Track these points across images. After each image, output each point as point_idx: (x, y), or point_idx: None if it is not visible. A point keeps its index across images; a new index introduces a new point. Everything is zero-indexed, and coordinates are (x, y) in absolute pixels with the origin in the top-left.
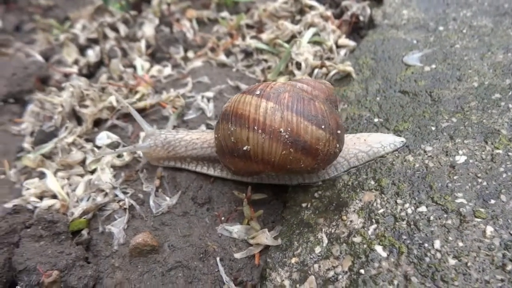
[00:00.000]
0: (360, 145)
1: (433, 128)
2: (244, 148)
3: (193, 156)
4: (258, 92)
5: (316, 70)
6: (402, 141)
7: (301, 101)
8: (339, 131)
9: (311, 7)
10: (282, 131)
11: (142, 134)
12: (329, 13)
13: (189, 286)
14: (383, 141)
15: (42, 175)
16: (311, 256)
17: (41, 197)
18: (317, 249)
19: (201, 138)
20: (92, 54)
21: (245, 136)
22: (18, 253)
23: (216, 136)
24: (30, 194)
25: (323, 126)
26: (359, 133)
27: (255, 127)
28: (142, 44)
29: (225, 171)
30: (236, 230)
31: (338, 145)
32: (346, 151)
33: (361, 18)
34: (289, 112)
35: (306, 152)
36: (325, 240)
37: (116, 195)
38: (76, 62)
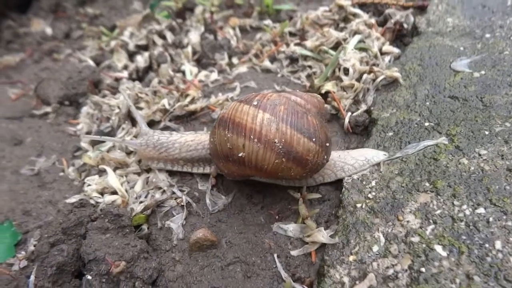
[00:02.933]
0: (345, 157)
1: (487, 133)
2: (239, 155)
3: (188, 158)
4: (255, 103)
5: (364, 76)
6: (385, 155)
7: (295, 114)
8: (327, 144)
9: (355, 15)
10: (277, 141)
11: None
12: (373, 20)
13: (248, 280)
14: (366, 154)
15: (101, 173)
16: (369, 255)
17: (101, 193)
18: (375, 248)
19: (196, 140)
20: (141, 60)
21: (241, 143)
22: (86, 244)
23: (211, 140)
24: (92, 190)
25: (314, 139)
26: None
27: (251, 136)
28: (189, 50)
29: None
30: (291, 228)
31: (326, 156)
32: (333, 163)
33: (405, 25)
34: (284, 124)
35: (297, 162)
36: (382, 239)
37: (174, 193)
38: (125, 67)
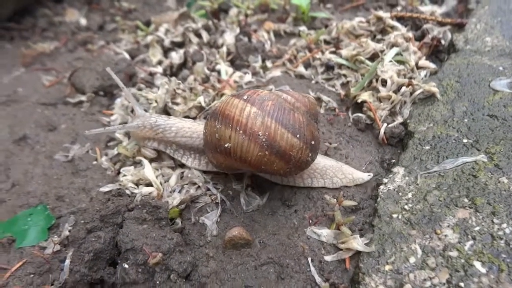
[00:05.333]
0: (337, 171)
1: None
2: (226, 145)
3: (181, 143)
4: (245, 97)
5: (403, 88)
6: (369, 175)
7: (282, 110)
8: (313, 142)
9: (393, 28)
10: (261, 134)
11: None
12: (410, 34)
13: (281, 282)
14: (354, 174)
15: (135, 164)
16: (406, 265)
17: (137, 184)
18: (412, 259)
19: (192, 128)
20: (176, 56)
21: (228, 134)
22: (123, 233)
23: (204, 131)
24: (128, 181)
25: (298, 135)
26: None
27: (238, 128)
28: (224, 50)
29: (209, 166)
30: (325, 234)
31: (310, 154)
32: (324, 171)
33: (442, 41)
34: (269, 119)
35: (280, 156)
36: (419, 251)
37: (208, 189)
38: (159, 62)
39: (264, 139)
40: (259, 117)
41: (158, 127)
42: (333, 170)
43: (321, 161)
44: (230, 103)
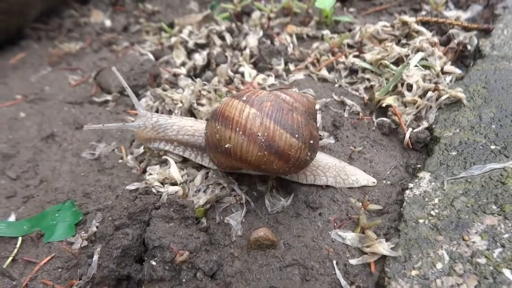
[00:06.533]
0: (340, 170)
1: None
2: (226, 146)
3: (183, 141)
4: (244, 98)
5: (429, 93)
6: (374, 182)
7: (281, 110)
8: (311, 141)
9: (418, 32)
10: (260, 135)
11: None
12: (435, 39)
13: (306, 283)
14: (358, 176)
15: (160, 163)
16: (433, 271)
17: (162, 183)
18: (439, 265)
19: (194, 126)
20: (199, 58)
21: (228, 135)
22: (150, 231)
23: (205, 131)
24: (154, 179)
25: (296, 135)
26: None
27: (237, 129)
28: (247, 52)
29: (211, 163)
30: (350, 237)
31: (309, 153)
32: (327, 168)
33: (468, 47)
34: (267, 119)
35: (279, 156)
36: (447, 257)
37: (233, 190)
38: (183, 64)
39: (263, 140)
40: (258, 118)
41: (159, 126)
42: (335, 169)
43: (323, 158)
44: (229, 104)
